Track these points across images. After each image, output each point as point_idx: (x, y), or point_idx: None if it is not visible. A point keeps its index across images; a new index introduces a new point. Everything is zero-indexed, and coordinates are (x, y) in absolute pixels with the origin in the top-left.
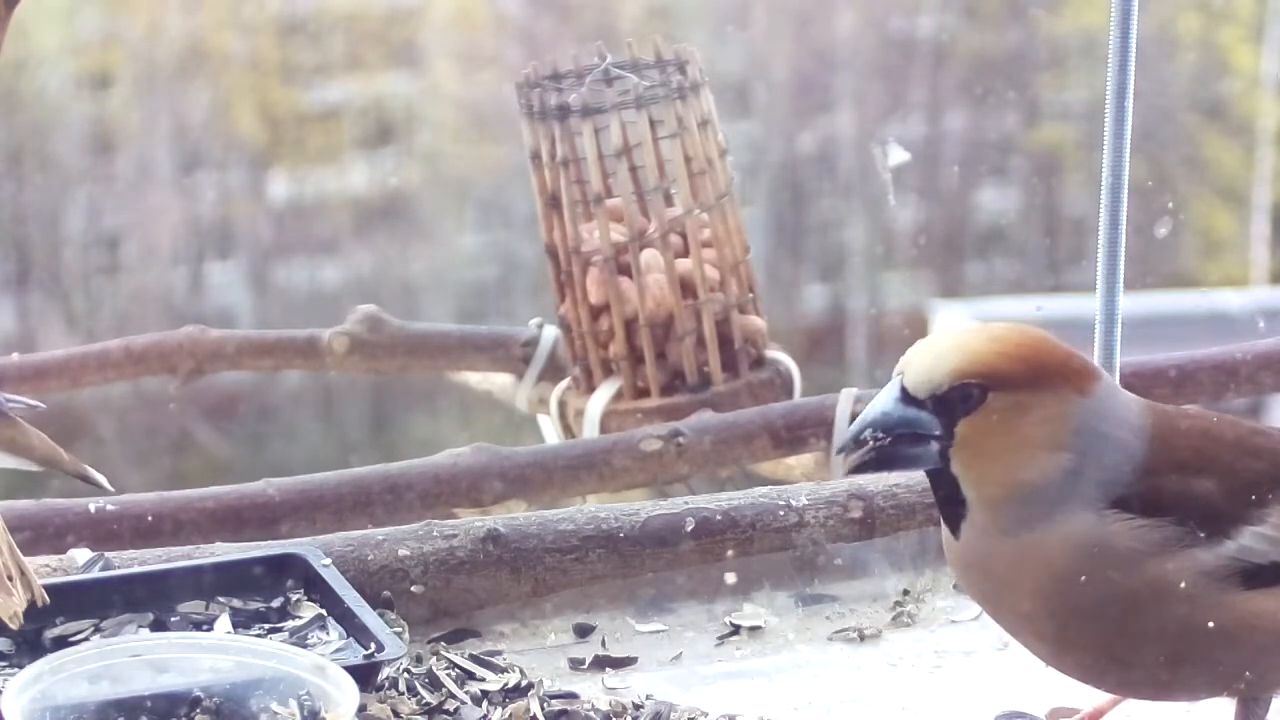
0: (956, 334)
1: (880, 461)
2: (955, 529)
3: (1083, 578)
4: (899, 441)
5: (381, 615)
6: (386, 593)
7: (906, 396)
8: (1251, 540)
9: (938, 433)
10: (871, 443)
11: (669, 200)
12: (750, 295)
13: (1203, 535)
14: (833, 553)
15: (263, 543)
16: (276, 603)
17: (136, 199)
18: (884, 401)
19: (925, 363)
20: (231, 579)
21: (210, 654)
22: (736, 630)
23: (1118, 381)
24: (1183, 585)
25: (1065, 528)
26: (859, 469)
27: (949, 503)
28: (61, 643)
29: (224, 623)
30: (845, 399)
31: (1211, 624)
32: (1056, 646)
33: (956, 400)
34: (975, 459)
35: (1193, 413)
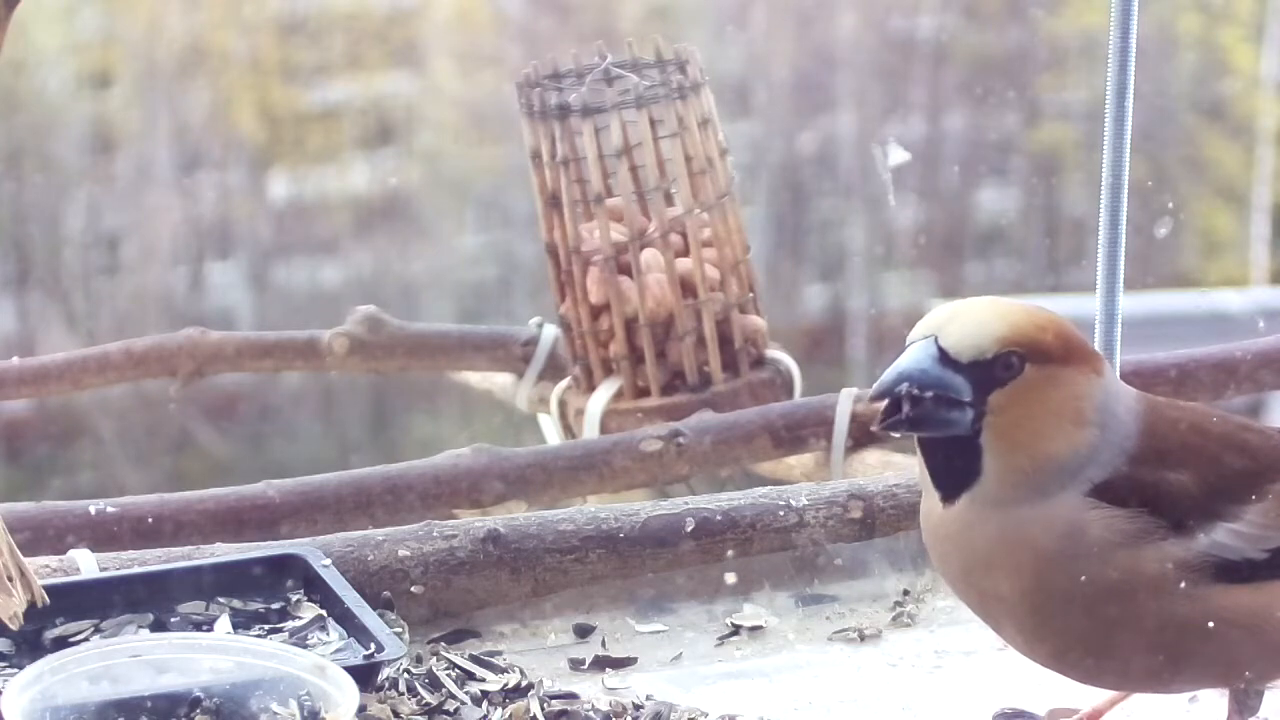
0: (988, 303)
1: (914, 422)
2: (953, 498)
3: (1059, 563)
4: (935, 402)
5: (381, 615)
6: (386, 593)
7: (944, 358)
8: (1225, 536)
9: (968, 399)
10: (906, 399)
11: (669, 200)
12: (750, 295)
13: (1175, 528)
14: (833, 553)
15: (263, 544)
16: (276, 603)
17: (136, 199)
18: (920, 359)
19: (968, 328)
20: (231, 579)
21: (210, 654)
22: (736, 630)
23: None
24: (1153, 578)
25: (1052, 510)
26: (892, 427)
27: (960, 472)
28: (61, 643)
29: (224, 623)
30: (845, 399)
31: (1185, 618)
32: (1031, 633)
33: (998, 368)
34: (1009, 429)
35: (1184, 405)
